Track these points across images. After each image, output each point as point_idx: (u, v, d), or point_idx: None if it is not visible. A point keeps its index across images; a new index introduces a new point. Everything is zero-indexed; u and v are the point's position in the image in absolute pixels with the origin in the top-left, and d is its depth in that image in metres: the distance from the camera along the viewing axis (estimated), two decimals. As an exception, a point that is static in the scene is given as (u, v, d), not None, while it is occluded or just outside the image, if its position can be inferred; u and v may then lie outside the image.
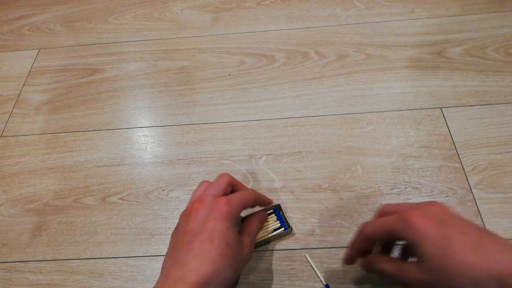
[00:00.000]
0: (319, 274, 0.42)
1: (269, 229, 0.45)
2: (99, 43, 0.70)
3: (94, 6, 0.78)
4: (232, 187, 0.41)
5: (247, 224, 0.42)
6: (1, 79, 0.67)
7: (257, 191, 0.49)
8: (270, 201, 0.45)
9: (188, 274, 0.32)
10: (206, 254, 0.33)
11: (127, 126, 0.58)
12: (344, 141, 0.53)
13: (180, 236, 0.36)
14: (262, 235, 0.44)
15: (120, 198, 0.50)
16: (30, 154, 0.56)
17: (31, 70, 0.68)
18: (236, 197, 0.38)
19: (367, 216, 0.46)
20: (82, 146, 0.56)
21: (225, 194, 0.40)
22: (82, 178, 0.53)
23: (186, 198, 0.50)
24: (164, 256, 0.37)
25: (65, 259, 0.46)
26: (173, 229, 0.39)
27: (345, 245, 0.44)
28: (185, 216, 0.37)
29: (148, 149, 0.55)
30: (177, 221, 0.48)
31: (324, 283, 0.41)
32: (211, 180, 0.41)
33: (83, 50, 0.70)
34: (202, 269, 0.32)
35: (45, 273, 0.45)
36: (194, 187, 0.50)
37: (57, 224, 0.49)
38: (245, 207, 0.40)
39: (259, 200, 0.43)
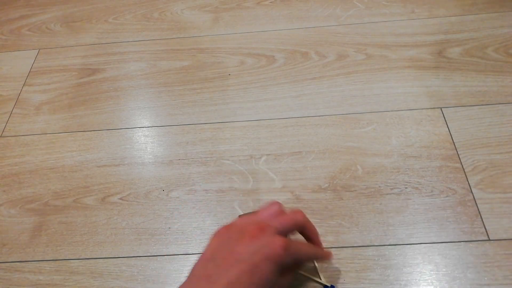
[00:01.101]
0: (320, 274, 0.42)
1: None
2: (99, 43, 0.70)
3: (94, 6, 0.78)
4: (302, 229, 0.39)
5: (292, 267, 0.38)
6: (1, 79, 0.67)
7: (257, 191, 0.48)
8: (329, 256, 0.41)
9: None
10: (239, 287, 0.32)
11: (127, 126, 0.58)
12: (344, 141, 0.53)
13: (226, 251, 0.34)
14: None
15: (120, 198, 0.50)
16: (30, 154, 0.56)
17: (31, 70, 0.68)
18: (296, 247, 0.36)
19: (367, 216, 0.46)
20: (82, 146, 0.56)
21: (289, 233, 0.37)
22: (82, 178, 0.53)
23: (186, 198, 0.50)
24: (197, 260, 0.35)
25: (65, 259, 0.46)
26: (173, 229, 0.38)
27: (345, 245, 0.44)
28: (240, 232, 0.35)
29: (148, 149, 0.55)
30: (177, 221, 0.48)
31: (325, 283, 0.41)
32: (283, 208, 0.39)
33: (83, 50, 0.70)
34: None
35: (45, 273, 0.45)
36: (194, 187, 0.50)
37: (57, 224, 0.49)
38: (300, 261, 0.38)
39: (318, 258, 0.41)
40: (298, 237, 0.40)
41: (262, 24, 0.70)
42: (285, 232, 0.36)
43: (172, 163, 0.53)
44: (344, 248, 0.44)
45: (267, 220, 0.36)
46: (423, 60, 0.61)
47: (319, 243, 0.40)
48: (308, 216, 0.46)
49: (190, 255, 0.45)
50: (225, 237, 0.36)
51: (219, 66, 0.64)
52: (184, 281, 0.34)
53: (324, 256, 0.41)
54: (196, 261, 0.35)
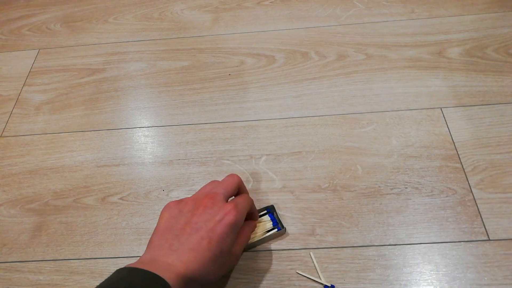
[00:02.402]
0: (320, 273, 0.42)
1: (263, 230, 0.45)
2: (99, 43, 0.70)
3: (94, 6, 0.78)
4: (239, 188, 0.42)
5: (240, 232, 0.41)
6: (1, 79, 0.67)
7: (257, 191, 0.49)
8: (257, 215, 0.45)
9: (178, 264, 0.33)
10: (200, 252, 0.34)
11: (127, 126, 0.58)
12: (344, 141, 0.53)
13: (182, 223, 0.36)
14: (255, 236, 0.44)
15: (120, 198, 0.50)
16: (30, 154, 0.56)
17: (31, 70, 0.68)
18: (242, 204, 0.39)
19: (367, 216, 0.46)
20: (82, 146, 0.56)
21: (232, 195, 0.41)
22: (82, 178, 0.53)
23: (186, 198, 0.50)
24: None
25: (65, 259, 0.46)
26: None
27: (345, 245, 0.44)
28: (193, 206, 0.38)
29: (148, 149, 0.55)
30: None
31: (325, 283, 0.41)
32: (220, 180, 0.42)
33: (83, 50, 0.70)
34: (192, 264, 0.33)
35: (45, 273, 0.45)
36: (194, 187, 0.50)
37: (57, 224, 0.49)
38: (246, 214, 0.40)
39: (254, 208, 0.43)
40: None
41: (262, 24, 0.70)
42: (230, 195, 0.40)
43: (172, 163, 0.53)
44: (344, 248, 0.44)
45: (214, 190, 0.39)
46: (423, 60, 0.61)
47: (249, 199, 0.42)
48: (308, 216, 0.47)
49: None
50: (176, 210, 0.38)
51: (219, 66, 0.64)
52: (143, 253, 0.36)
53: (255, 211, 0.44)
54: (152, 235, 0.37)
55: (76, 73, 0.66)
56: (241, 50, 0.66)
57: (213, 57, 0.65)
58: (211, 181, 0.42)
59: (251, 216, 0.44)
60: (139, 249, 0.46)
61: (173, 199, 0.49)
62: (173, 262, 0.33)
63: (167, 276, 0.31)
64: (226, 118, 0.57)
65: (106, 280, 0.32)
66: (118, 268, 0.33)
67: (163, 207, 0.49)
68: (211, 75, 0.63)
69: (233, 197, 0.42)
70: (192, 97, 0.60)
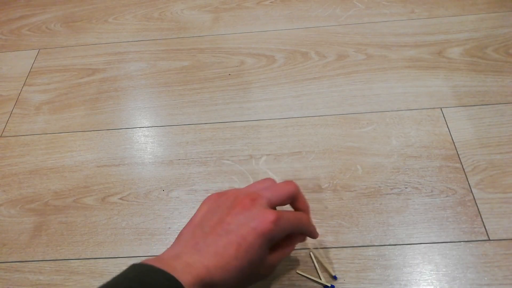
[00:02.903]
0: (320, 274, 0.42)
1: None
2: (99, 43, 0.70)
3: (94, 6, 0.78)
4: (293, 200, 0.37)
5: (283, 244, 0.37)
6: (1, 79, 0.67)
7: (272, 179, 0.45)
8: (317, 235, 0.40)
9: (199, 265, 0.30)
10: (226, 258, 0.31)
11: (127, 126, 0.58)
12: (344, 141, 0.53)
13: (214, 220, 0.33)
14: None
15: (120, 198, 0.50)
16: (30, 154, 0.56)
17: (31, 70, 0.68)
18: (287, 219, 0.34)
19: (367, 216, 0.46)
20: (82, 146, 0.56)
21: (282, 205, 0.36)
22: (82, 178, 0.53)
23: (186, 198, 0.50)
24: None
25: (65, 259, 0.46)
26: (173, 229, 0.38)
27: (345, 245, 0.44)
28: (231, 203, 0.34)
29: (148, 149, 0.55)
30: (177, 221, 0.48)
31: (325, 283, 0.41)
32: (276, 181, 0.38)
33: (83, 50, 0.70)
34: (214, 270, 0.30)
35: (45, 273, 0.45)
36: (194, 187, 0.50)
37: (57, 224, 0.49)
38: (292, 232, 0.36)
39: (308, 230, 0.38)
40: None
41: (262, 24, 0.70)
42: (277, 203, 0.35)
43: (172, 163, 0.53)
44: (344, 248, 0.44)
45: (259, 191, 0.35)
46: (423, 60, 0.61)
47: (309, 217, 0.38)
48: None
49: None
50: (215, 204, 0.35)
51: (219, 66, 0.64)
52: (171, 244, 0.34)
53: (313, 232, 0.39)
54: (185, 225, 0.35)
55: (76, 73, 0.66)
56: (241, 50, 0.66)
57: (213, 57, 0.65)
58: (266, 179, 0.38)
59: (307, 235, 0.39)
60: (139, 249, 0.46)
61: (173, 199, 0.50)
62: (195, 264, 0.30)
63: (184, 278, 0.29)
64: (226, 118, 0.57)
65: (119, 275, 0.30)
66: (134, 263, 0.31)
67: (163, 207, 0.49)
68: (211, 75, 0.63)
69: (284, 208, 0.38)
70: (192, 97, 0.60)
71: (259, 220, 0.32)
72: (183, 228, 0.35)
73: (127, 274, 0.30)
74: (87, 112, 0.60)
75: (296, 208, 0.38)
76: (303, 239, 0.39)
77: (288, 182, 0.37)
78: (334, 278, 0.41)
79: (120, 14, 0.75)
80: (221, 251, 0.31)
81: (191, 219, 0.35)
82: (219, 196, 0.36)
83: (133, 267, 0.30)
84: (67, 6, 0.79)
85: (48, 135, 0.58)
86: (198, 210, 0.35)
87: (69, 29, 0.74)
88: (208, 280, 0.30)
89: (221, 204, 0.35)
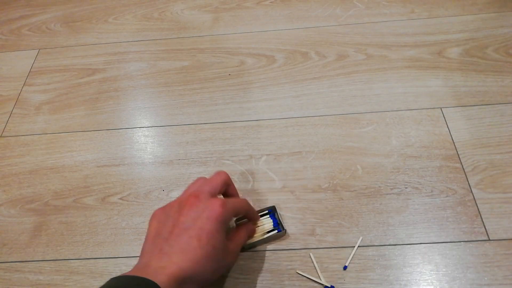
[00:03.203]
0: (320, 274, 0.42)
1: (263, 231, 0.45)
2: (99, 43, 0.70)
3: (94, 6, 0.78)
4: (226, 187, 0.41)
5: (236, 232, 0.41)
6: (1, 79, 0.67)
7: (257, 191, 0.49)
8: (258, 218, 0.45)
9: (170, 265, 0.33)
10: (191, 251, 0.33)
11: (127, 126, 0.58)
12: (344, 141, 0.53)
13: (169, 226, 0.36)
14: (255, 236, 0.44)
15: (120, 198, 0.50)
16: (30, 154, 0.56)
17: (31, 70, 0.68)
18: (231, 202, 0.38)
19: (367, 216, 0.46)
20: (82, 146, 0.56)
21: (220, 193, 0.40)
22: (82, 178, 0.53)
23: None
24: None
25: (65, 259, 0.46)
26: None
27: (345, 245, 0.44)
28: (178, 207, 0.37)
29: (148, 149, 0.55)
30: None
31: (325, 283, 0.41)
32: (208, 177, 0.41)
33: (83, 50, 0.70)
34: (185, 264, 0.33)
35: (45, 273, 0.45)
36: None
37: (57, 224, 0.49)
38: (237, 214, 0.40)
39: (250, 212, 0.42)
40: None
41: (262, 24, 0.70)
42: (216, 193, 0.39)
43: (172, 163, 0.53)
44: (344, 248, 0.44)
45: (199, 188, 0.38)
46: (423, 60, 0.61)
47: (246, 201, 0.42)
48: (308, 216, 0.46)
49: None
50: (163, 215, 0.38)
51: (219, 66, 0.64)
52: (136, 262, 0.36)
53: (254, 213, 0.43)
54: (143, 243, 0.37)
55: (76, 73, 0.66)
56: (241, 50, 0.66)
57: (213, 57, 0.65)
58: (198, 178, 0.41)
59: (250, 218, 0.43)
60: (139, 249, 0.46)
61: (173, 199, 0.49)
62: (165, 265, 0.33)
63: (159, 279, 0.31)
64: (226, 118, 0.57)
65: None
66: (111, 277, 0.33)
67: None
68: (211, 75, 0.63)
69: (222, 196, 0.42)
70: (192, 97, 0.60)
71: (209, 209, 0.36)
72: (143, 244, 0.37)
73: (105, 286, 0.31)
74: (87, 112, 0.60)
75: (229, 195, 0.42)
76: (251, 228, 0.43)
77: (219, 172, 0.41)
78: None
79: (120, 14, 0.75)
80: (185, 246, 0.34)
81: (146, 235, 0.37)
82: (162, 209, 0.39)
83: (111, 280, 0.32)
84: (67, 6, 0.79)
85: (48, 135, 0.58)
86: (149, 227, 0.38)
87: (69, 29, 0.74)
88: (182, 276, 0.32)
89: (168, 213, 0.37)
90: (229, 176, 0.41)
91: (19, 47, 0.72)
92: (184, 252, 0.33)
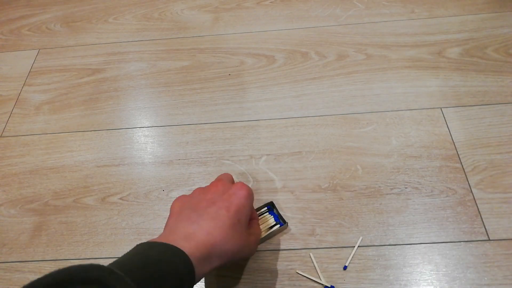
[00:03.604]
0: (320, 274, 0.42)
1: (267, 226, 0.45)
2: (99, 43, 0.70)
3: (94, 6, 0.78)
4: None
5: (251, 225, 0.41)
6: (1, 79, 0.67)
7: (257, 191, 0.49)
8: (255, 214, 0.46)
9: (199, 232, 0.33)
10: (220, 219, 0.34)
11: (127, 126, 0.58)
12: (344, 141, 0.53)
13: (195, 202, 0.36)
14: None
15: (120, 198, 0.50)
16: (30, 154, 0.56)
17: (31, 70, 0.68)
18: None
19: (367, 216, 0.46)
20: (82, 146, 0.56)
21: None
22: (82, 178, 0.53)
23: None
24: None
25: (65, 259, 0.46)
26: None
27: (345, 245, 0.44)
28: (202, 190, 0.38)
29: (148, 149, 0.55)
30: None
31: (325, 283, 0.41)
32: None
33: (83, 50, 0.70)
34: (213, 231, 0.33)
35: (45, 273, 0.45)
36: (194, 187, 0.50)
37: (57, 224, 0.49)
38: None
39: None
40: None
41: (262, 24, 0.70)
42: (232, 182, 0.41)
43: (172, 163, 0.53)
44: (344, 248, 0.44)
45: (218, 179, 0.40)
46: (423, 60, 0.61)
47: None
48: (308, 216, 0.47)
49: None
50: (186, 198, 0.38)
51: (219, 66, 0.64)
52: (163, 230, 0.35)
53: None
54: (167, 220, 0.37)
55: (76, 73, 0.66)
56: (241, 50, 0.66)
57: (213, 57, 0.65)
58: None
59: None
60: (139, 249, 0.46)
61: (173, 199, 0.49)
62: (194, 231, 0.33)
63: (186, 245, 0.31)
64: (226, 118, 0.57)
65: (124, 255, 0.31)
66: (138, 243, 0.32)
67: (163, 207, 0.49)
68: (211, 75, 0.63)
69: None
70: (192, 97, 0.60)
71: (235, 188, 0.37)
72: (167, 220, 0.37)
73: (130, 252, 0.31)
74: (87, 112, 0.60)
75: None
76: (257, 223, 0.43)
77: (225, 174, 0.43)
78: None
79: (120, 14, 0.75)
80: (215, 214, 0.34)
81: (169, 215, 0.37)
82: (185, 195, 0.39)
83: (137, 246, 0.32)
84: (67, 6, 0.79)
85: (48, 135, 0.58)
86: (172, 208, 0.38)
87: (69, 29, 0.74)
88: (211, 241, 0.32)
89: (192, 195, 0.38)
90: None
91: (19, 47, 0.72)
92: (213, 220, 0.34)
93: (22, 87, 0.65)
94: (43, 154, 0.56)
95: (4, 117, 0.61)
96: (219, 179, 0.40)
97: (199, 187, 0.40)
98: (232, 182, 0.41)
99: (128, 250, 0.45)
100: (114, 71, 0.66)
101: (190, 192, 0.49)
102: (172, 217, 0.36)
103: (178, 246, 0.31)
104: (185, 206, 0.36)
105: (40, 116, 0.61)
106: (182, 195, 0.39)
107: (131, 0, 0.78)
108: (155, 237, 0.46)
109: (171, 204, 0.38)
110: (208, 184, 0.41)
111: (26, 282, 0.45)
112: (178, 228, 0.34)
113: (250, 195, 0.37)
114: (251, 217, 0.40)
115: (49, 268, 0.45)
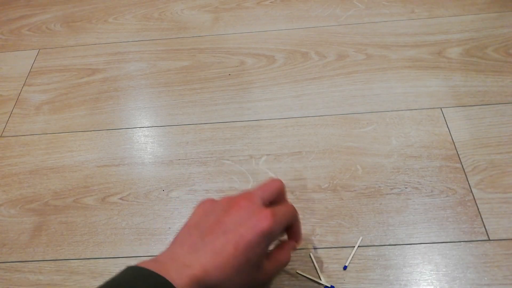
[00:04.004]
0: (320, 274, 0.42)
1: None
2: (99, 43, 0.70)
3: (94, 6, 0.78)
4: (281, 195, 0.37)
5: (278, 251, 0.37)
6: (1, 79, 0.67)
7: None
8: (301, 236, 0.40)
9: (196, 266, 0.30)
10: (224, 257, 0.30)
11: (127, 126, 0.58)
12: (344, 141, 0.53)
13: (212, 221, 0.33)
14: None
15: (120, 198, 0.50)
16: (30, 154, 0.56)
17: (31, 70, 0.68)
18: (282, 212, 0.34)
19: (367, 216, 0.46)
20: (82, 146, 0.56)
21: (271, 201, 0.36)
22: (82, 178, 0.53)
23: (186, 198, 0.50)
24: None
25: (65, 259, 0.46)
26: (173, 229, 0.38)
27: (345, 245, 0.44)
28: (227, 205, 0.34)
29: (148, 149, 0.55)
30: (177, 221, 0.48)
31: (325, 284, 0.41)
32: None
33: (83, 50, 0.70)
34: (212, 269, 0.30)
35: (45, 273, 0.45)
36: (194, 187, 0.50)
37: (57, 224, 0.49)
38: (287, 225, 0.36)
39: (296, 225, 0.38)
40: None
41: (262, 24, 0.70)
42: (268, 200, 0.35)
43: (172, 163, 0.53)
44: (344, 248, 0.44)
45: (252, 191, 0.35)
46: (423, 60, 0.61)
47: (291, 209, 0.37)
48: (308, 216, 0.46)
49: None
50: (210, 207, 0.35)
51: (219, 66, 0.64)
52: (167, 247, 0.34)
53: (299, 228, 0.39)
54: (182, 227, 0.34)
55: (76, 73, 0.66)
56: (241, 50, 0.66)
57: (213, 57, 0.65)
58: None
59: (293, 232, 0.38)
60: (139, 249, 0.46)
61: (173, 199, 0.50)
62: (191, 263, 0.30)
63: (179, 278, 0.29)
64: (226, 118, 0.57)
65: (113, 279, 0.30)
66: (128, 266, 0.30)
67: (163, 207, 0.49)
68: (211, 75, 0.63)
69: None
70: (192, 97, 0.60)
71: (257, 218, 0.32)
72: (179, 231, 0.34)
73: (120, 278, 0.29)
74: (87, 112, 0.60)
75: (278, 200, 0.37)
76: (294, 246, 0.38)
77: (274, 179, 0.37)
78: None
79: (120, 14, 0.75)
80: (219, 250, 0.30)
81: (187, 221, 0.35)
82: (212, 200, 0.36)
83: (127, 270, 0.30)
84: (67, 6, 0.79)
85: (48, 135, 0.58)
86: (193, 213, 0.35)
87: (69, 29, 0.74)
88: (205, 281, 0.30)
89: (216, 207, 0.35)
90: (284, 185, 0.37)
91: (19, 47, 0.72)
92: (215, 256, 0.30)
93: (22, 87, 0.65)
94: (43, 154, 0.56)
95: (4, 117, 0.61)
96: (250, 196, 0.34)
97: (229, 197, 0.35)
98: (266, 197, 0.35)
99: (128, 251, 0.46)
100: (114, 71, 0.66)
101: (190, 193, 0.50)
102: (183, 229, 0.34)
103: (172, 277, 0.28)
104: (200, 221, 0.34)
105: (40, 116, 0.61)
106: (209, 200, 0.36)
107: (131, 0, 0.78)
108: (155, 237, 0.46)
109: (197, 204, 0.36)
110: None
111: (26, 282, 0.45)
112: (178, 254, 0.31)
113: (269, 231, 0.32)
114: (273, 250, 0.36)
115: (49, 268, 0.45)
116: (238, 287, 0.31)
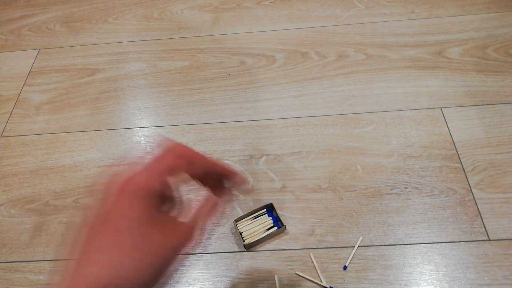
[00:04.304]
0: (320, 274, 0.42)
1: (264, 228, 0.45)
2: (99, 43, 0.70)
3: (94, 6, 0.78)
4: (190, 166, 0.28)
5: (196, 208, 0.29)
6: (1, 79, 0.67)
7: (257, 191, 0.49)
8: (231, 172, 0.29)
9: (81, 280, 0.23)
10: (110, 252, 0.23)
11: (127, 126, 0.58)
12: (344, 141, 0.53)
13: (88, 223, 0.25)
14: (256, 234, 0.44)
15: (120, 198, 0.50)
16: (30, 154, 0.56)
17: (31, 70, 0.68)
18: (158, 162, 0.26)
19: (367, 216, 0.46)
20: (82, 146, 0.56)
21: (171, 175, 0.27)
22: (82, 178, 0.53)
23: (186, 198, 0.49)
24: None
25: (65, 259, 0.46)
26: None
27: (345, 245, 0.44)
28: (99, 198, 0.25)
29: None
30: (177, 221, 0.47)
31: (324, 285, 0.41)
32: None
33: (83, 50, 0.70)
34: (101, 273, 0.23)
35: (45, 273, 0.45)
36: (194, 187, 0.50)
37: (57, 224, 0.49)
38: (174, 171, 0.27)
39: (213, 166, 0.28)
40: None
41: (262, 24, 0.70)
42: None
43: (172, 163, 0.53)
44: (344, 248, 0.44)
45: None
46: (423, 60, 0.61)
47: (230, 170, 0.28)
48: (308, 216, 0.46)
49: (190, 255, 0.45)
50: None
51: (219, 66, 0.64)
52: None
53: (222, 168, 0.28)
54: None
55: (76, 73, 0.66)
56: (241, 50, 0.66)
57: (213, 57, 0.65)
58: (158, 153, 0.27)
59: (222, 175, 0.29)
60: (139, 249, 0.46)
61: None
62: (76, 281, 0.23)
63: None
64: (226, 118, 0.57)
65: None
66: None
67: (163, 207, 0.49)
68: (211, 75, 0.63)
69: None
70: (192, 97, 0.60)
71: (126, 187, 0.25)
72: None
73: None
74: (87, 112, 0.60)
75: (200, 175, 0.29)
76: (216, 203, 0.29)
77: (173, 146, 0.27)
78: None
79: (120, 14, 0.75)
80: (100, 247, 0.24)
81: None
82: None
83: None
84: (67, 6, 0.79)
85: (48, 135, 0.58)
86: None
87: (69, 29, 0.74)
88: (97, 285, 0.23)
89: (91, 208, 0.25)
90: (185, 149, 0.27)
91: (19, 47, 0.72)
92: (100, 255, 0.23)
93: (22, 87, 0.65)
94: (43, 154, 0.56)
95: (4, 117, 0.61)
96: (116, 176, 0.26)
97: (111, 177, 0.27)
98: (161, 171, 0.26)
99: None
100: (114, 71, 0.66)
101: (190, 193, 0.50)
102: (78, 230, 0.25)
103: None
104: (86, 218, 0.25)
105: (40, 116, 0.61)
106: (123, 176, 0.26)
107: (131, 0, 0.78)
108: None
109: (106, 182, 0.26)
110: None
111: (26, 282, 0.45)
112: (65, 274, 0.24)
113: (146, 183, 0.25)
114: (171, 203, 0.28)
115: (49, 268, 0.45)
116: (148, 272, 0.24)
